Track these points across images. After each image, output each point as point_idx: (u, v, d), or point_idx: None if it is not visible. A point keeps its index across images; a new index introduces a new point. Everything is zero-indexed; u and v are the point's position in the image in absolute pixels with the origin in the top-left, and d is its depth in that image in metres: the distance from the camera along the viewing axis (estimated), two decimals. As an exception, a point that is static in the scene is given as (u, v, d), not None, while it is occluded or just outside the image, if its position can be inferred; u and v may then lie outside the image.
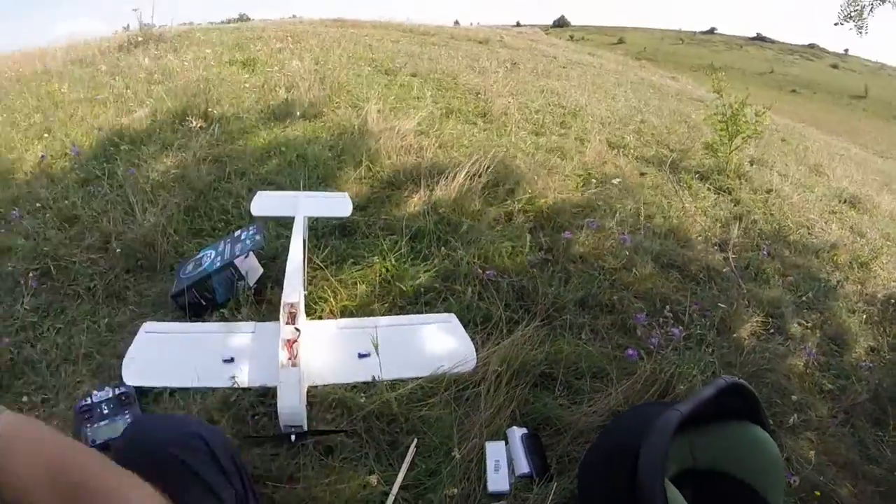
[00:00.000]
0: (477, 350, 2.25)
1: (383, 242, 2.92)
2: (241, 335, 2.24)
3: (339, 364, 2.15)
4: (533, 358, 2.24)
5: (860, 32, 5.18)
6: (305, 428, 1.80)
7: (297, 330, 2.00)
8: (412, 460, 1.83)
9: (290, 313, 2.08)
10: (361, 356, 2.16)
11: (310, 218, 2.89)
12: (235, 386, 1.98)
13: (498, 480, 1.82)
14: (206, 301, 2.37)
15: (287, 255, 2.43)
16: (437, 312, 2.52)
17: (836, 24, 5.32)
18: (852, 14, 5.10)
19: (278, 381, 1.85)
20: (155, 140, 3.97)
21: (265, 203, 2.91)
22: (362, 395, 2.01)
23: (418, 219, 3.15)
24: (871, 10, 5.02)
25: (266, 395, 1.99)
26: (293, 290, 2.20)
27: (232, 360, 2.09)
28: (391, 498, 1.69)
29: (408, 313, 2.52)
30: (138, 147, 3.83)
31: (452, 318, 2.43)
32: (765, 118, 5.44)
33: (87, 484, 0.95)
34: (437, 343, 2.30)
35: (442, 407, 2.01)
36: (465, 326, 2.41)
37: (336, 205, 2.98)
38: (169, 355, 2.12)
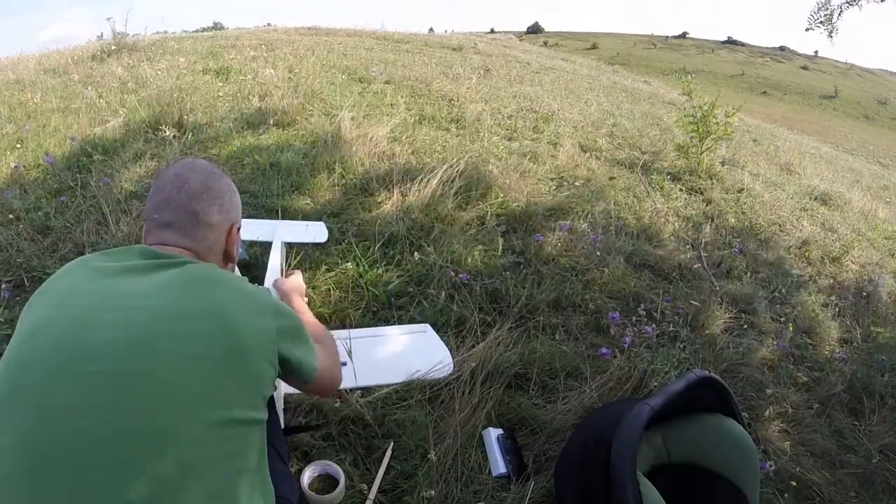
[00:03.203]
0: (452, 354, 2.25)
1: (356, 248, 2.92)
2: None
3: None
4: (507, 359, 2.24)
5: (830, 37, 5.26)
6: (282, 425, 1.77)
7: None
8: (388, 463, 1.82)
9: None
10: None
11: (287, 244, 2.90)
12: None
13: (501, 464, 1.86)
14: None
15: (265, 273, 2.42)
16: (411, 315, 2.53)
17: (806, 30, 5.39)
18: (822, 19, 5.16)
19: None
20: (128, 149, 3.93)
21: (245, 228, 2.90)
22: (337, 400, 2.00)
23: (391, 224, 3.15)
24: (839, 14, 5.09)
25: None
26: None
27: None
28: (369, 502, 1.69)
29: (381, 318, 2.52)
30: (112, 157, 3.79)
31: (427, 327, 2.43)
32: (734, 119, 5.50)
33: None
34: (413, 351, 2.29)
35: (417, 410, 2.01)
36: (439, 330, 2.41)
37: (312, 231, 2.99)
38: None
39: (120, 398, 0.88)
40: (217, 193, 1.27)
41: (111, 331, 0.93)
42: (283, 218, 3.14)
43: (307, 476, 1.73)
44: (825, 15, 5.28)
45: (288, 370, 1.13)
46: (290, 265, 2.67)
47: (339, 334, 2.33)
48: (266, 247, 2.70)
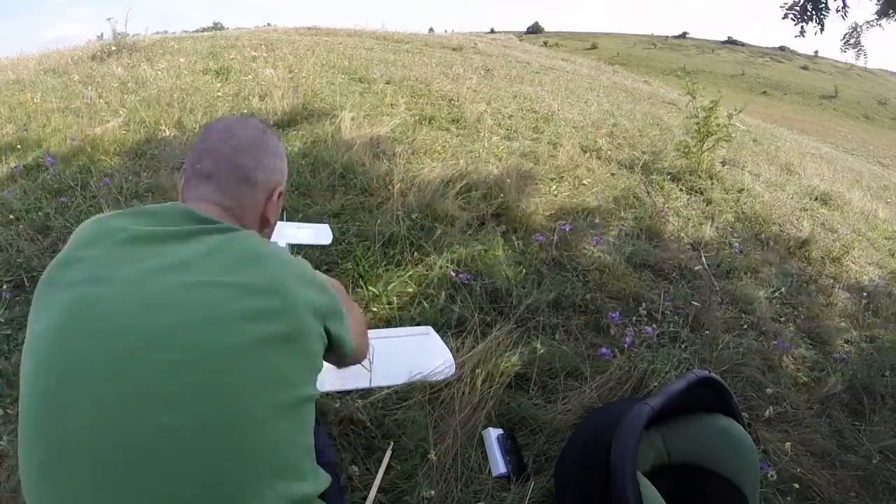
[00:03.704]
0: (453, 355, 2.24)
1: (357, 249, 2.92)
2: None
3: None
4: (507, 359, 2.24)
5: (857, 58, 5.36)
6: None
7: None
8: (388, 463, 1.82)
9: None
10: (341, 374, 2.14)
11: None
12: None
13: (501, 464, 1.86)
14: None
15: None
16: (411, 315, 2.52)
17: (842, 51, 5.51)
18: (853, 42, 5.26)
19: None
20: (128, 150, 3.94)
21: None
22: (337, 400, 2.00)
23: (391, 225, 3.15)
24: (863, 32, 5.19)
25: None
26: None
27: None
28: (369, 502, 1.69)
29: (381, 318, 2.52)
30: (111, 157, 3.80)
31: (430, 330, 2.41)
32: (736, 121, 5.50)
33: None
34: (415, 354, 2.28)
35: (417, 410, 2.01)
36: (439, 330, 2.40)
37: (317, 234, 2.96)
38: None
39: (196, 387, 0.83)
40: (265, 151, 1.19)
41: (175, 313, 0.86)
42: (283, 218, 3.13)
43: None
44: (855, 39, 5.36)
45: (330, 345, 1.09)
46: None
47: None
48: None
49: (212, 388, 0.83)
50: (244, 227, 1.08)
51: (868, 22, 5.20)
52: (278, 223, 2.97)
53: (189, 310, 0.87)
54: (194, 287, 0.90)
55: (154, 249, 0.94)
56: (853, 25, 5.29)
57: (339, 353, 1.14)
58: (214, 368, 0.84)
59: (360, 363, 1.33)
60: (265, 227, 1.23)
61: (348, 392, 2.04)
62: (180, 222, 1.01)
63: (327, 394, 2.05)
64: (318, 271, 1.12)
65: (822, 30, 5.03)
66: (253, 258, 0.98)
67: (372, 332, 2.38)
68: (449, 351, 2.27)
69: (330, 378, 2.06)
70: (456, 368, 2.17)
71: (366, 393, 2.05)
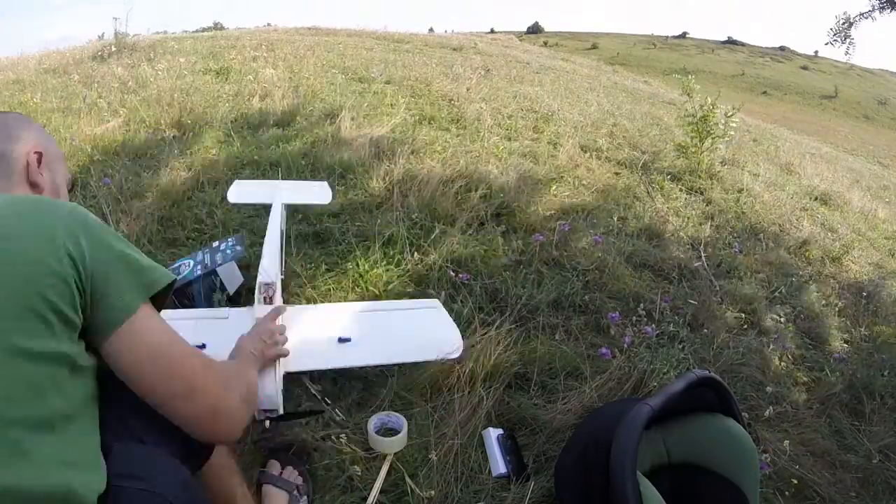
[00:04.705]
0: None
1: (356, 248, 2.92)
2: (214, 321, 2.13)
3: (317, 349, 2.02)
4: (507, 359, 2.24)
5: (848, 53, 5.39)
6: (281, 412, 1.73)
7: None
8: (390, 464, 1.82)
9: (267, 295, 2.02)
10: (342, 341, 2.04)
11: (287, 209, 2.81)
12: None
13: (501, 464, 1.86)
14: (185, 308, 2.35)
15: (264, 238, 2.38)
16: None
17: (826, 44, 5.56)
18: (840, 34, 5.28)
19: None
20: (128, 150, 3.94)
21: (243, 190, 2.84)
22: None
23: (391, 224, 3.15)
24: (854, 25, 5.22)
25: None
26: (269, 273, 2.13)
27: (204, 346, 2.01)
28: (370, 501, 1.69)
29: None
30: (112, 157, 3.80)
31: (436, 303, 2.35)
32: (734, 119, 5.50)
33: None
34: (422, 329, 2.22)
35: (417, 410, 2.02)
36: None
37: (315, 192, 2.90)
38: None
39: None
40: (7, 126, 1.23)
41: None
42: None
43: (372, 424, 1.88)
44: (844, 30, 5.39)
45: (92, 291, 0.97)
46: (284, 268, 2.63)
47: (345, 307, 2.31)
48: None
49: None
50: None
51: (862, 14, 5.21)
52: (274, 182, 2.86)
53: None
54: None
55: None
56: (845, 17, 5.30)
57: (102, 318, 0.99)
58: None
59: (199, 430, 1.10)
60: (39, 192, 1.22)
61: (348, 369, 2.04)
62: None
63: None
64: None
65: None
66: None
67: (375, 304, 2.34)
68: (455, 326, 2.20)
69: (331, 354, 2.00)
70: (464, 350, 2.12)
71: (365, 396, 2.05)
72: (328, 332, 2.07)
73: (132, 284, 1.02)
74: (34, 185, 1.20)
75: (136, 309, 1.01)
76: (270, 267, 2.10)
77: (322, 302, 2.55)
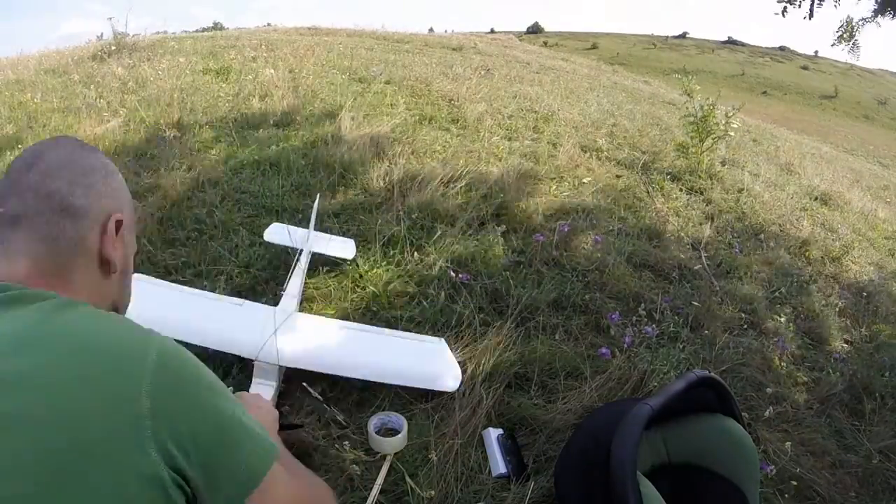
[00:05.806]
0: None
1: (356, 248, 2.92)
2: (228, 304, 2.27)
3: (320, 358, 2.10)
4: (507, 359, 2.24)
5: (852, 52, 5.33)
6: None
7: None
8: (390, 464, 1.82)
9: None
10: (345, 354, 2.14)
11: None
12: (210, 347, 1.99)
13: (501, 464, 1.86)
14: None
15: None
16: (411, 315, 2.52)
17: (832, 45, 5.49)
18: (845, 36, 5.23)
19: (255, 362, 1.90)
20: (128, 150, 3.94)
21: (278, 232, 2.90)
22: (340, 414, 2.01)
23: (391, 225, 3.15)
24: (859, 29, 5.16)
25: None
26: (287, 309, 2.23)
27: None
28: (370, 501, 1.69)
29: (381, 318, 2.50)
30: (112, 157, 3.78)
31: (442, 342, 2.34)
32: (734, 119, 5.50)
33: None
34: (424, 362, 2.24)
35: (417, 409, 2.02)
36: (439, 330, 2.42)
37: (341, 247, 2.94)
38: (154, 304, 2.03)
39: None
40: (84, 170, 0.92)
41: None
42: (282, 219, 3.13)
43: (372, 424, 1.89)
44: (847, 31, 5.33)
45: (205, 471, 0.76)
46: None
47: (347, 325, 2.34)
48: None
49: None
50: (72, 289, 0.86)
51: (864, 19, 5.18)
52: (312, 231, 2.95)
53: None
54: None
55: None
56: (847, 19, 5.26)
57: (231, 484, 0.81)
58: None
59: None
60: (109, 271, 0.94)
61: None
62: None
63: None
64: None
65: (810, 16, 4.99)
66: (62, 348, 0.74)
67: (385, 331, 2.37)
68: (458, 365, 2.20)
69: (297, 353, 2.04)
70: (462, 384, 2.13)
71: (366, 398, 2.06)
72: (334, 342, 2.20)
73: (253, 457, 0.84)
74: (104, 263, 0.93)
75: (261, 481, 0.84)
76: (289, 307, 2.24)
77: (322, 302, 2.56)
